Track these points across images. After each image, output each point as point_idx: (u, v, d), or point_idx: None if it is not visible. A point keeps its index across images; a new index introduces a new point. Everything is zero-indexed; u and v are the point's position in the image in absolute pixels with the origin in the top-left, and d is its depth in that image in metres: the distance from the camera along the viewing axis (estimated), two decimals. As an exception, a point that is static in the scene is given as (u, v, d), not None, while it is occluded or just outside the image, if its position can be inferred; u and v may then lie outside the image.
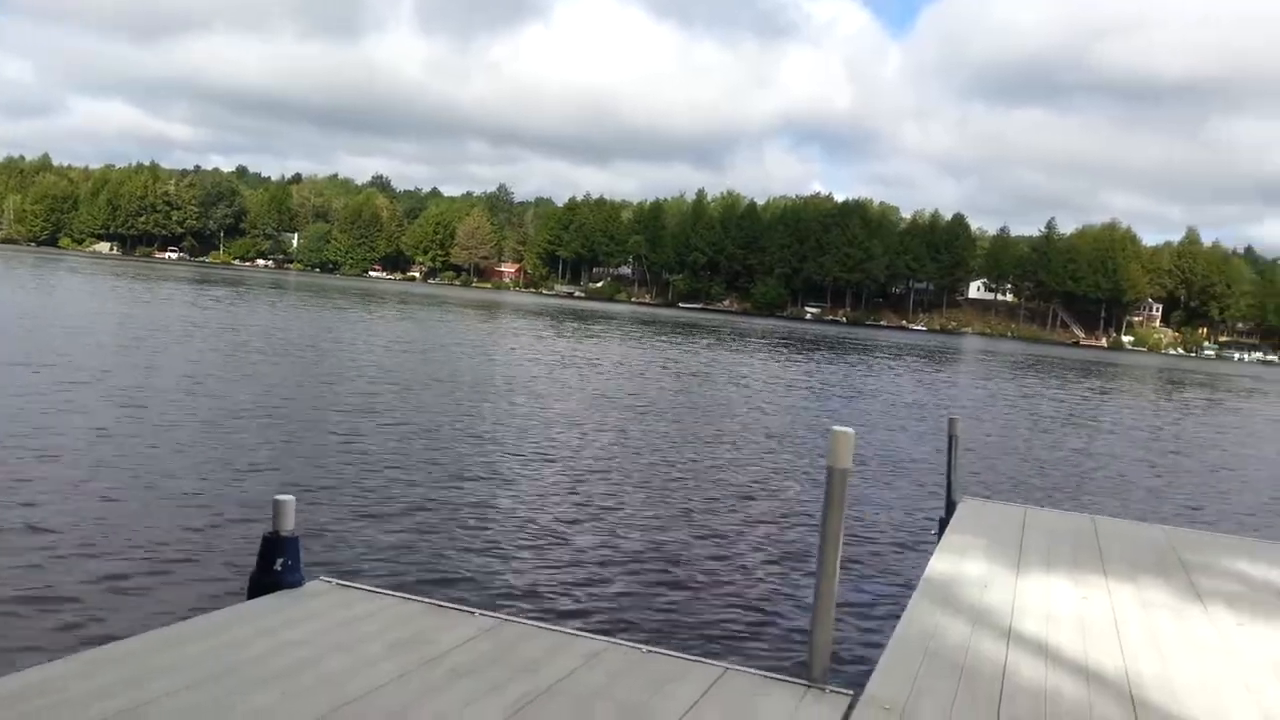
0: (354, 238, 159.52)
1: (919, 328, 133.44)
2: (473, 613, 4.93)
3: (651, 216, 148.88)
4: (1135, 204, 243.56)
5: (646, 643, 4.85)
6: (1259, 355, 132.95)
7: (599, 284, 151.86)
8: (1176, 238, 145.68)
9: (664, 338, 52.64)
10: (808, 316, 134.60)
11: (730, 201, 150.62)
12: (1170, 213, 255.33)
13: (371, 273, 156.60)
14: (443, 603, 5.13)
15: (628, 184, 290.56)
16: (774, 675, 4.45)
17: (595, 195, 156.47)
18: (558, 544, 9.29)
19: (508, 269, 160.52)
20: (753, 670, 4.50)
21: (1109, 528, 8.45)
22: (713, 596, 8.06)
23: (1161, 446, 23.13)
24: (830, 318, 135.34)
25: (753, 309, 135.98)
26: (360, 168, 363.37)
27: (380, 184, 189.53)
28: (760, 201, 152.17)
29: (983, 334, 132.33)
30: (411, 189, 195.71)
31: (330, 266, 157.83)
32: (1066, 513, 9.59)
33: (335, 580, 5.24)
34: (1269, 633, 5.73)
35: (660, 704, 4.00)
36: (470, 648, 4.45)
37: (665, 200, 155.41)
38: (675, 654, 4.63)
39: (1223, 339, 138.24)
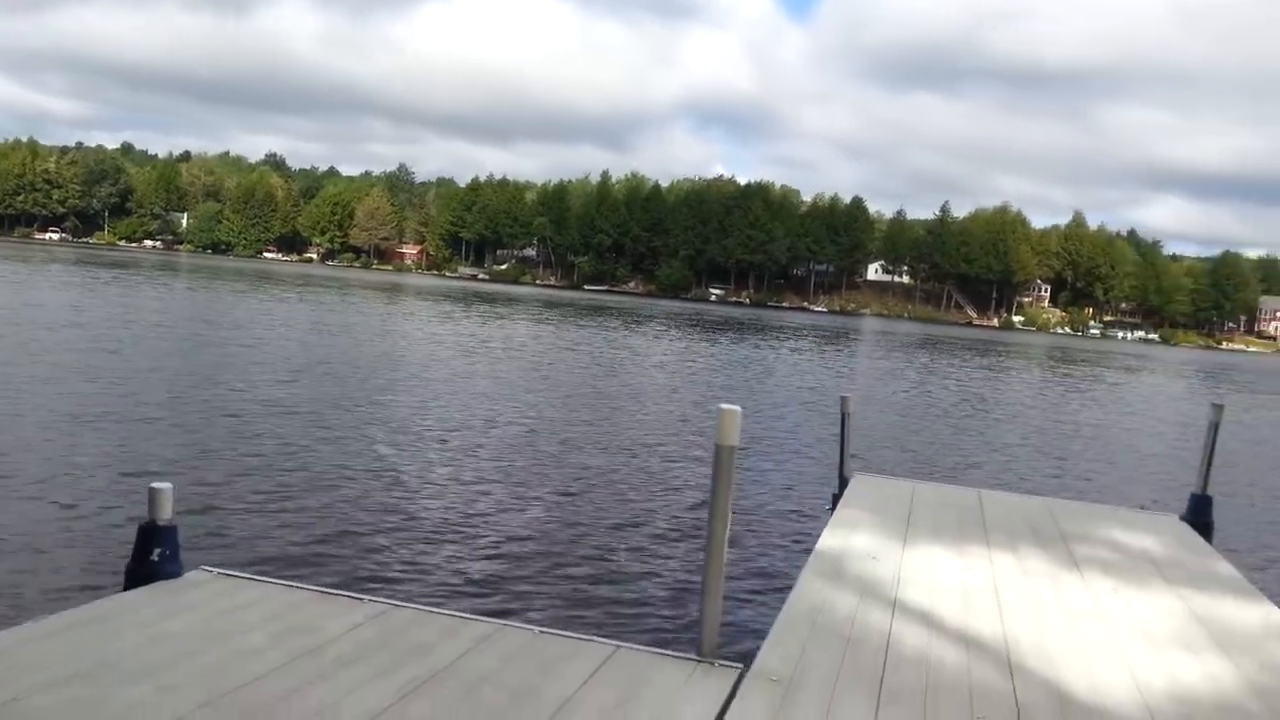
0: (247, 218, 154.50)
1: (820, 309, 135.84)
2: (361, 599, 4.84)
3: (556, 198, 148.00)
4: (1025, 187, 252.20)
5: (540, 624, 4.84)
6: (1140, 334, 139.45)
7: (503, 266, 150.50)
8: (1064, 220, 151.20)
9: (568, 320, 52.51)
10: (712, 298, 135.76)
11: (634, 183, 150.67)
12: (1058, 196, 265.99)
13: (266, 254, 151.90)
14: (330, 590, 5.03)
15: (531, 165, 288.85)
16: (665, 652, 4.49)
17: (498, 176, 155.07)
18: (451, 528, 9.18)
19: (409, 250, 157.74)
20: (644, 648, 4.52)
21: (993, 500, 8.75)
22: (607, 576, 8.08)
23: (1048, 422, 24.05)
24: (734, 299, 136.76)
25: (658, 291, 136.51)
26: (253, 145, 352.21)
27: (274, 162, 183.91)
28: (664, 183, 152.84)
29: (881, 315, 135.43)
30: (307, 168, 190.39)
31: (223, 248, 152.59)
32: (954, 487, 9.90)
33: (216, 570, 5.08)
34: (1139, 597, 6.00)
35: (550, 685, 3.99)
36: (357, 634, 4.36)
37: (569, 181, 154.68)
38: (567, 634, 4.63)
39: (1107, 319, 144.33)
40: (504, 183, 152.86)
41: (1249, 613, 5.88)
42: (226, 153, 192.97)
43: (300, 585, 5.05)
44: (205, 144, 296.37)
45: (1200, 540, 7.97)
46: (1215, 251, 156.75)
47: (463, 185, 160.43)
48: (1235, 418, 29.34)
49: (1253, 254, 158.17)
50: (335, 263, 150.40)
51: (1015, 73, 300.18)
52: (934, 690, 4.27)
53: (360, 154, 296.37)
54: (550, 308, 66.95)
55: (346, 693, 3.77)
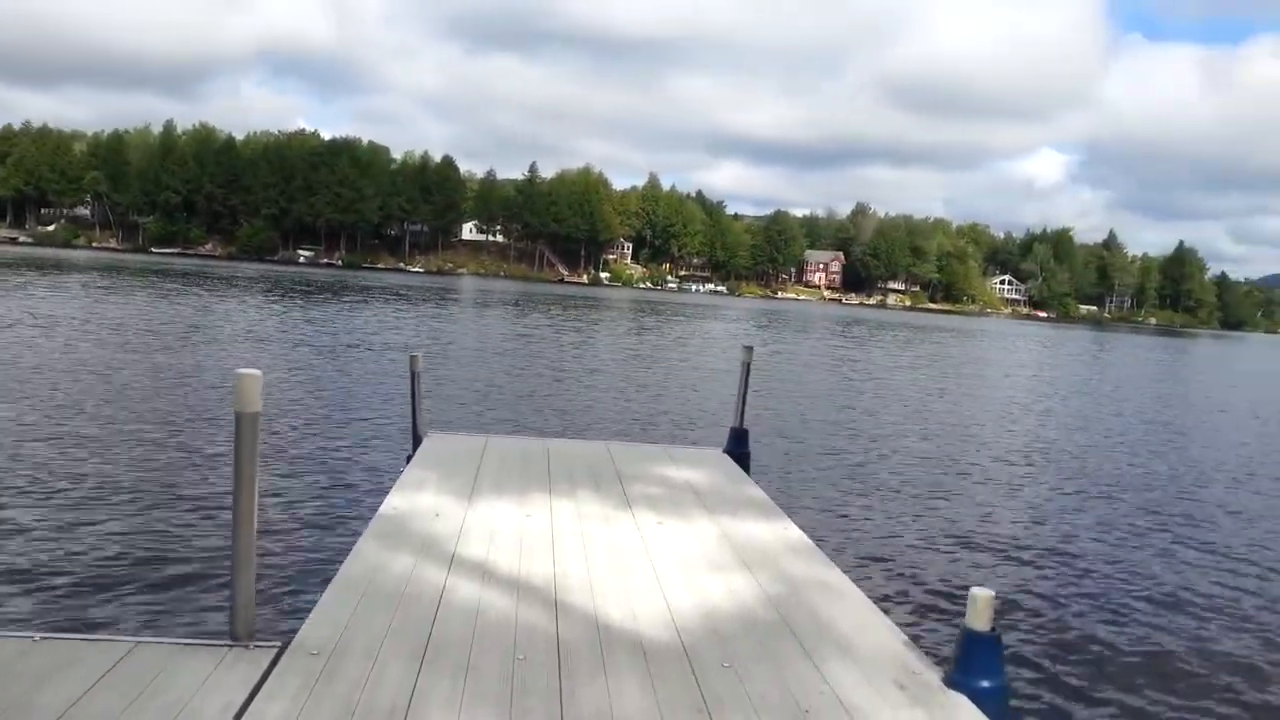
0: None
1: (416, 269, 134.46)
2: None
3: (111, 150, 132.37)
4: (606, 150, 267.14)
5: (41, 630, 4.27)
6: (710, 286, 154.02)
7: (50, 228, 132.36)
8: (641, 182, 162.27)
9: (125, 288, 47.34)
10: (301, 260, 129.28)
11: (204, 135, 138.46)
12: (635, 159, 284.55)
13: None
14: None
15: (79, 112, 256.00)
16: (192, 641, 4.15)
17: (37, 123, 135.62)
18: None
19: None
20: (167, 640, 4.15)
21: (560, 448, 9.09)
22: (132, 567, 7.18)
23: (624, 368, 25.63)
24: (325, 261, 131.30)
25: (239, 253, 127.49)
26: None
27: None
28: (239, 136, 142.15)
29: (478, 274, 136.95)
30: None
31: None
32: (524, 438, 10.19)
33: None
34: (681, 527, 6.53)
35: (47, 695, 3.51)
36: None
37: (127, 132, 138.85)
38: (75, 636, 4.12)
39: (682, 273, 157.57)
40: (45, 131, 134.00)
41: (771, 531, 6.61)
42: None
43: None
44: None
45: (738, 470, 8.85)
46: (769, 211, 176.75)
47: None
48: (779, 355, 33.23)
49: (799, 213, 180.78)
50: None
51: (593, 40, 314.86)
52: (480, 638, 4.32)
53: None
54: (108, 274, 59.87)
55: None
